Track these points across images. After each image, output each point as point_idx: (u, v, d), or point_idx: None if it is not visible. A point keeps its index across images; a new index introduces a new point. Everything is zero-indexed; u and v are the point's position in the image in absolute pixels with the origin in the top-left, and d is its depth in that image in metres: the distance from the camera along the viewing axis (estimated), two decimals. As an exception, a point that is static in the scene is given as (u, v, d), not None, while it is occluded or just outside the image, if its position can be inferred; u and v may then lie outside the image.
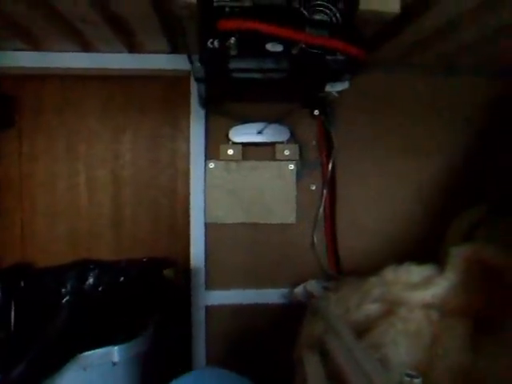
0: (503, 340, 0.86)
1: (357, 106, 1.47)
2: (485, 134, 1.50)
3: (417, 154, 1.49)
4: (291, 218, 1.47)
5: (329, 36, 0.88)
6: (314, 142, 1.48)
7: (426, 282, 0.99)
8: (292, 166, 1.46)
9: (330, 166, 1.45)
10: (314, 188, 1.48)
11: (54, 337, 1.03)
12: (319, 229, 1.48)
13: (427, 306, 0.96)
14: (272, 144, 1.44)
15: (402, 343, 0.90)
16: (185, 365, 1.42)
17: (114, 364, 1.06)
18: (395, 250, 1.49)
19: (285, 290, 1.47)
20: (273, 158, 1.45)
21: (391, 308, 0.99)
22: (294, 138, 1.46)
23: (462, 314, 0.94)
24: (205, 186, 1.44)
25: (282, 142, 1.44)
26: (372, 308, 1.02)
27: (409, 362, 0.87)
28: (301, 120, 1.46)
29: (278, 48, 0.89)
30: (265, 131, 1.42)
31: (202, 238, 1.44)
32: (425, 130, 1.49)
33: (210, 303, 1.46)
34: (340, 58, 0.93)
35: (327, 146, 1.46)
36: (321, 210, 1.47)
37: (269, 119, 1.42)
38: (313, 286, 1.40)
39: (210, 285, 1.46)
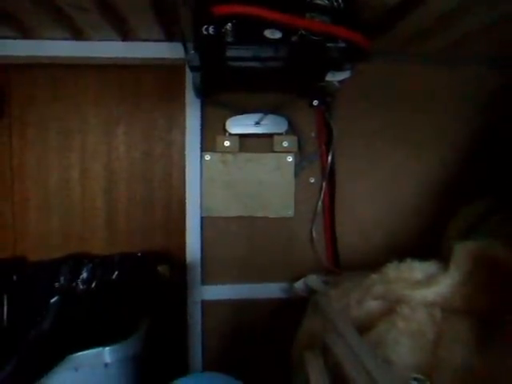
0: (510, 340, 0.83)
1: (357, 97, 1.42)
2: (490, 125, 1.46)
3: (419, 146, 1.46)
4: (289, 212, 1.44)
5: (331, 22, 0.84)
6: (313, 134, 1.43)
7: (429, 280, 0.95)
8: (290, 158, 1.42)
9: (329, 158, 1.41)
10: (312, 181, 1.44)
11: (45, 337, 1.01)
12: (318, 222, 1.45)
13: (430, 305, 0.93)
14: (270, 135, 1.40)
15: (404, 343, 0.87)
16: (180, 365, 1.39)
17: (106, 365, 1.04)
18: (395, 244, 1.46)
19: (283, 285, 1.44)
20: (271, 150, 1.41)
21: (393, 306, 0.96)
22: (292, 129, 1.41)
23: (467, 313, 0.90)
24: (201, 178, 1.40)
25: (280, 134, 1.40)
26: (373, 305, 1.00)
27: (411, 363, 0.84)
28: (299, 110, 1.41)
29: (277, 35, 0.84)
30: (263, 122, 1.38)
31: (198, 232, 1.41)
32: (427, 121, 1.45)
33: (206, 298, 1.43)
34: (341, 45, 0.89)
35: (326, 137, 1.42)
36: (320, 203, 1.44)
37: (266, 110, 1.38)
38: (313, 280, 1.37)
39: (206, 279, 1.43)
